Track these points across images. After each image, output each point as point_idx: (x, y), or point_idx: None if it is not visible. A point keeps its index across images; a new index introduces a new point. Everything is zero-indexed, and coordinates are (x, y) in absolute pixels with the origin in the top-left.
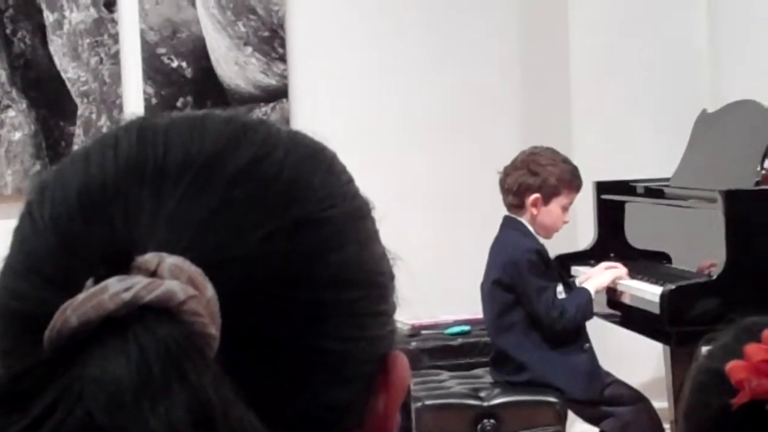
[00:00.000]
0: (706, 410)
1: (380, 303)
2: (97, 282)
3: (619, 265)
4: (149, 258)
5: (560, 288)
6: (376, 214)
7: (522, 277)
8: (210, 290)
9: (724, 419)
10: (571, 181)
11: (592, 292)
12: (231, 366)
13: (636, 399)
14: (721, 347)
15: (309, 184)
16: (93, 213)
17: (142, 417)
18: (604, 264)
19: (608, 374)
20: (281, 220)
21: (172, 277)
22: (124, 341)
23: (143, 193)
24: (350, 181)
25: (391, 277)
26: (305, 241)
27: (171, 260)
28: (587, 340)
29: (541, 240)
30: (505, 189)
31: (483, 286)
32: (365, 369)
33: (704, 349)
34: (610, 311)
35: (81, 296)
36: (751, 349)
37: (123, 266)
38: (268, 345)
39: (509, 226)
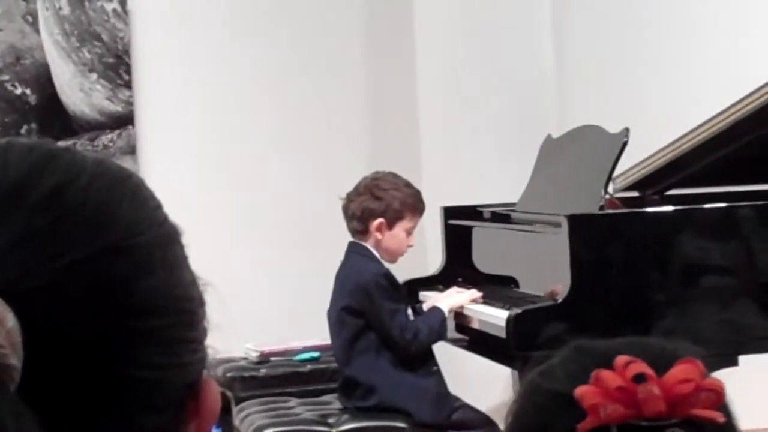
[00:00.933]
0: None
1: (190, 330)
2: None
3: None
4: None
5: (409, 311)
6: (194, 238)
7: (373, 301)
8: (11, 320)
9: None
10: (415, 204)
11: (446, 311)
12: (35, 396)
13: (484, 423)
14: (561, 369)
15: (114, 211)
16: None
17: None
18: (454, 288)
19: (457, 399)
20: (85, 249)
21: None
22: None
23: None
24: (158, 207)
25: (201, 303)
26: (110, 270)
27: None
28: (435, 363)
29: (391, 265)
30: (349, 215)
31: (330, 312)
32: (176, 396)
33: (535, 369)
34: (458, 336)
35: None
36: (605, 375)
37: None
38: (74, 374)
39: (354, 251)
